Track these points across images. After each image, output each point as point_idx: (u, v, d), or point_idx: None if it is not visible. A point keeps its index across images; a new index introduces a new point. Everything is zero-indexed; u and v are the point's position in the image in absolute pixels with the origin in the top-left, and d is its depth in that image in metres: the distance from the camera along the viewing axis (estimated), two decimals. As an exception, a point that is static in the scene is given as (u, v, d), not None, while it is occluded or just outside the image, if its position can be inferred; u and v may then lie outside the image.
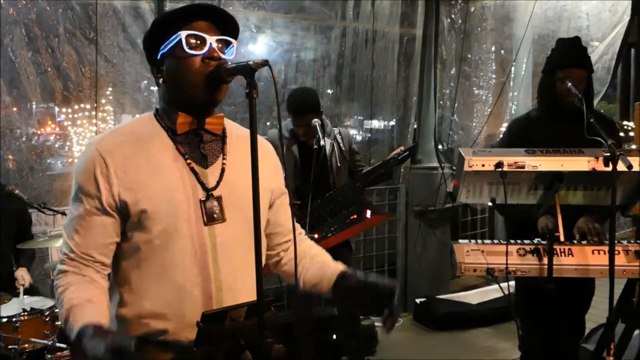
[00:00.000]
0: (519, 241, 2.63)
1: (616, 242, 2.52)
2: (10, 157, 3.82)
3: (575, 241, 2.67)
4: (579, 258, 2.57)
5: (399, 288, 1.56)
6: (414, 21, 5.46)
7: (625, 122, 7.52)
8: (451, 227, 5.69)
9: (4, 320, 3.07)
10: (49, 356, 3.14)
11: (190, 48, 1.48)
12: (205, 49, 1.48)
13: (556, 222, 2.63)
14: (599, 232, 2.71)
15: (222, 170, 1.55)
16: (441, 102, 5.70)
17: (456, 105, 5.70)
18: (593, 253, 2.57)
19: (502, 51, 6.09)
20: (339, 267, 1.70)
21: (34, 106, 3.97)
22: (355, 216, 3.46)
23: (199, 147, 1.54)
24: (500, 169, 2.48)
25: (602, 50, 5.41)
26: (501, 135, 3.55)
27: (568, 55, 2.95)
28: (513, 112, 5.98)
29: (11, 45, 3.70)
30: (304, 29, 4.99)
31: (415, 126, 5.61)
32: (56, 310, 3.26)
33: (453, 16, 5.68)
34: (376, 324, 4.78)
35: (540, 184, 2.61)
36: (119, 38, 4.03)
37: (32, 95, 3.84)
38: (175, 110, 1.52)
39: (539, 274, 2.55)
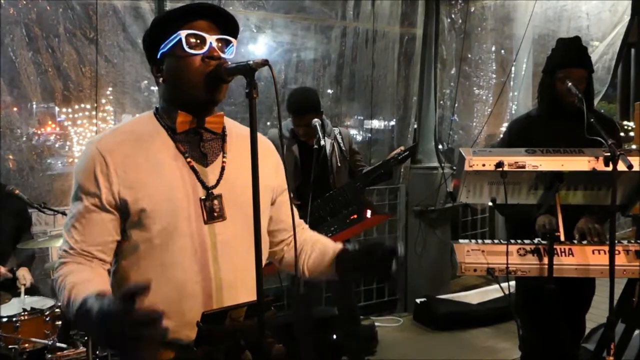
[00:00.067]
0: (519, 241, 2.63)
1: (616, 242, 2.52)
2: (11, 157, 3.82)
3: (575, 241, 2.67)
4: (579, 258, 2.57)
5: (401, 248, 1.56)
6: (414, 21, 5.46)
7: (625, 122, 7.52)
8: (451, 227, 5.68)
9: (4, 320, 3.07)
10: (49, 356, 3.15)
11: (190, 47, 1.48)
12: (205, 48, 1.49)
13: (556, 222, 2.63)
14: (599, 233, 2.71)
15: (222, 168, 1.55)
16: (441, 102, 5.69)
17: (456, 105, 5.69)
18: (593, 253, 2.57)
19: (503, 51, 6.09)
20: (340, 246, 1.71)
21: (34, 106, 3.97)
22: (355, 216, 3.46)
23: (198, 146, 1.55)
24: (500, 169, 2.48)
25: (602, 50, 5.41)
26: (501, 135, 3.54)
27: (568, 55, 2.95)
28: (513, 112, 5.98)
29: (11, 45, 3.70)
30: (304, 29, 4.99)
31: (415, 126, 5.60)
32: (56, 310, 3.27)
33: (453, 16, 5.68)
34: (376, 324, 4.79)
35: (540, 183, 2.61)
36: (119, 38, 4.03)
37: (33, 95, 3.84)
38: (175, 109, 1.52)
39: (540, 273, 2.55)
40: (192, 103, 1.51)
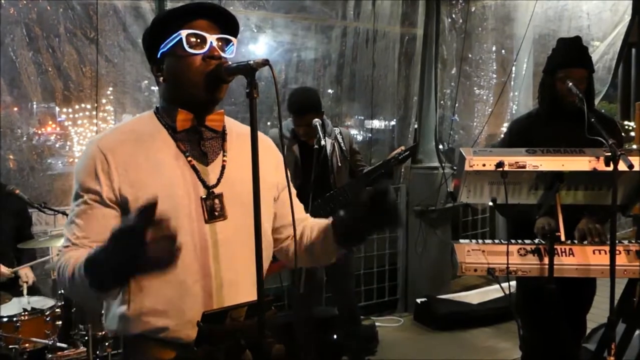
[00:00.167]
0: (519, 241, 2.63)
1: (617, 242, 2.51)
2: (11, 156, 3.82)
3: (575, 241, 2.67)
4: (580, 258, 2.56)
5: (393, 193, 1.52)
6: (415, 21, 5.46)
7: (626, 122, 7.52)
8: (452, 226, 5.68)
9: (5, 319, 3.07)
10: (50, 356, 3.15)
11: (191, 47, 1.48)
12: (206, 47, 1.49)
13: (557, 222, 2.63)
14: (600, 233, 2.71)
15: (223, 167, 1.55)
16: (442, 101, 5.69)
17: (457, 105, 5.69)
18: (594, 253, 2.57)
19: (503, 51, 6.08)
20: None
21: (34, 106, 3.97)
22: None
23: (199, 145, 1.55)
24: (501, 169, 2.48)
25: (603, 50, 5.41)
26: (502, 135, 3.54)
27: (569, 54, 2.95)
28: (514, 112, 5.98)
29: (12, 45, 3.70)
30: (304, 29, 4.99)
31: (416, 126, 5.60)
32: (57, 310, 3.27)
33: (454, 16, 5.68)
34: (377, 324, 4.79)
35: (541, 183, 2.61)
36: (119, 38, 4.02)
37: (33, 95, 3.84)
38: (175, 107, 1.52)
39: (540, 273, 2.55)
40: (192, 102, 1.51)
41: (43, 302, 3.33)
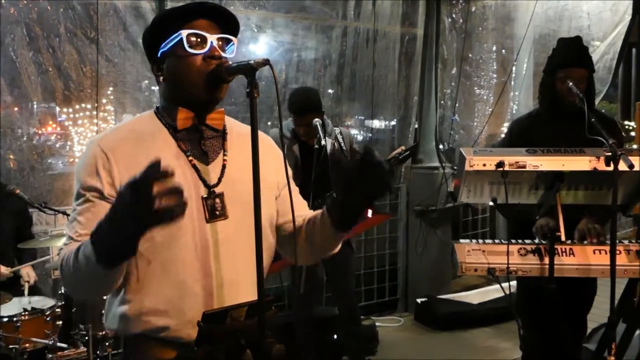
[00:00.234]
0: (520, 241, 2.63)
1: (617, 241, 2.51)
2: (11, 156, 3.82)
3: (575, 241, 2.67)
4: (580, 258, 2.56)
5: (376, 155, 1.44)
6: (415, 21, 5.46)
7: (626, 122, 7.51)
8: (452, 226, 5.68)
9: (5, 319, 3.07)
10: (50, 356, 3.15)
11: (191, 47, 1.48)
12: (206, 47, 1.48)
13: (557, 221, 2.63)
14: (599, 233, 2.70)
15: (223, 166, 1.55)
16: (442, 101, 5.69)
17: (457, 104, 5.69)
18: (594, 253, 2.57)
19: (503, 51, 6.08)
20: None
21: (35, 106, 3.97)
22: (356, 216, 3.45)
23: (199, 144, 1.54)
24: (501, 169, 2.48)
25: (603, 50, 5.41)
26: (502, 135, 3.54)
27: (569, 54, 2.95)
28: (514, 111, 5.98)
29: (12, 45, 3.70)
30: (305, 29, 4.99)
31: (416, 126, 5.60)
32: (57, 310, 3.27)
33: (454, 16, 5.68)
34: (377, 324, 4.79)
35: (541, 183, 2.61)
36: (120, 37, 4.03)
37: (33, 94, 3.84)
38: (175, 107, 1.52)
39: (540, 273, 2.55)
40: (192, 102, 1.51)
41: (43, 302, 3.33)
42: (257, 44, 4.80)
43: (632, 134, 5.96)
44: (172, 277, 1.46)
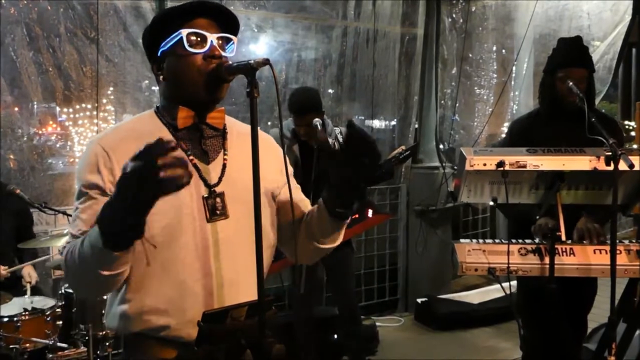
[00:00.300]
0: (520, 240, 2.63)
1: (617, 241, 2.51)
2: (12, 156, 3.82)
3: (574, 240, 2.67)
4: (581, 257, 2.56)
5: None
6: (415, 21, 5.46)
7: (626, 122, 7.51)
8: (452, 226, 5.68)
9: (5, 319, 3.07)
10: (50, 356, 3.15)
11: (191, 46, 1.48)
12: (206, 47, 1.48)
13: (558, 221, 2.63)
14: (599, 233, 2.70)
15: (224, 166, 1.55)
16: (442, 101, 5.69)
17: (457, 104, 5.69)
18: (594, 252, 2.57)
19: (504, 51, 6.08)
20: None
21: (35, 106, 3.97)
22: (356, 215, 3.46)
23: (200, 143, 1.54)
24: (501, 169, 2.48)
25: (604, 50, 5.41)
26: (503, 135, 3.54)
27: (569, 54, 2.95)
28: (514, 111, 5.98)
29: (12, 45, 3.70)
30: (305, 29, 4.99)
31: (416, 126, 5.61)
32: (57, 310, 3.27)
33: (454, 16, 5.68)
34: (377, 324, 4.79)
35: (541, 183, 2.61)
36: (120, 37, 4.03)
37: (33, 94, 3.84)
38: (175, 105, 1.52)
39: (541, 273, 2.55)
40: (193, 101, 1.51)
41: (44, 302, 3.33)
42: (257, 44, 4.80)
43: (633, 133, 5.96)
44: (172, 277, 1.46)
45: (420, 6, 5.44)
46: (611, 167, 2.38)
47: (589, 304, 3.11)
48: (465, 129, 5.95)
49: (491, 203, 2.70)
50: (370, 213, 3.57)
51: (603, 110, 5.62)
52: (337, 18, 5.09)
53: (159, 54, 1.54)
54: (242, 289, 1.50)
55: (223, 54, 1.50)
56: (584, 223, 2.76)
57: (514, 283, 3.05)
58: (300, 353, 3.58)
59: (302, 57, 5.01)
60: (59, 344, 3.20)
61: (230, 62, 1.47)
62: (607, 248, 2.54)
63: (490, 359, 4.30)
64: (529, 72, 5.85)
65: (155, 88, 3.99)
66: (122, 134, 1.53)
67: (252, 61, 1.36)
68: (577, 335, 3.11)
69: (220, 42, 1.51)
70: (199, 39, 1.48)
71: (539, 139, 2.83)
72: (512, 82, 5.98)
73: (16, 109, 3.85)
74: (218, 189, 1.52)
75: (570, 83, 2.76)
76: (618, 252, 2.51)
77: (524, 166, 2.50)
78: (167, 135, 1.52)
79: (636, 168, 2.38)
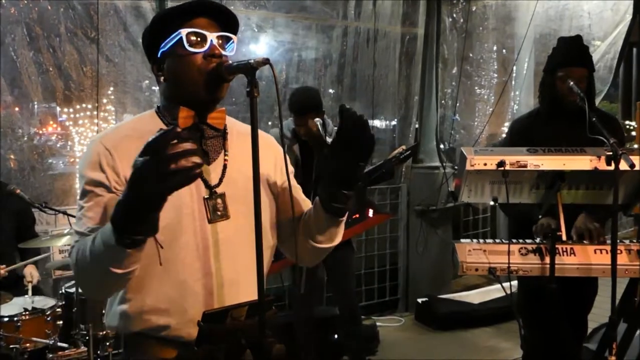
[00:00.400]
0: (521, 240, 2.62)
1: (618, 241, 2.51)
2: (12, 156, 3.82)
3: (573, 238, 2.67)
4: (581, 257, 2.56)
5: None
6: (416, 20, 5.46)
7: (627, 122, 7.50)
8: (453, 226, 5.68)
9: (6, 319, 3.07)
10: (51, 356, 3.15)
11: (191, 46, 1.47)
12: (206, 46, 1.48)
13: (558, 221, 2.62)
14: (599, 233, 2.70)
15: (224, 166, 1.55)
16: (443, 101, 5.69)
17: (458, 104, 5.69)
18: (595, 252, 2.57)
19: (504, 50, 6.08)
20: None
21: (35, 106, 3.97)
22: (357, 215, 3.46)
23: (200, 144, 1.54)
24: (502, 168, 2.48)
25: (604, 50, 5.40)
26: (503, 135, 3.54)
27: (569, 53, 2.95)
28: (515, 111, 5.97)
29: (12, 45, 3.70)
30: (305, 29, 4.99)
31: (416, 125, 5.61)
32: (58, 310, 3.27)
33: (455, 15, 5.68)
34: (378, 324, 4.79)
35: (542, 183, 2.61)
36: (120, 37, 4.03)
37: (34, 94, 3.84)
38: (176, 105, 1.51)
39: (541, 273, 2.54)
40: (193, 101, 1.50)
41: (44, 302, 3.33)
42: (258, 44, 4.80)
43: (633, 133, 5.96)
44: (173, 277, 1.46)
45: (420, 6, 5.44)
46: (612, 167, 2.37)
47: (589, 303, 3.10)
48: (466, 128, 5.94)
49: (492, 203, 2.69)
50: (370, 213, 3.57)
51: (603, 109, 5.62)
52: (337, 18, 5.09)
53: (159, 55, 1.54)
54: (242, 288, 1.50)
55: (223, 53, 1.50)
56: (583, 222, 2.75)
57: (514, 283, 3.05)
58: (300, 353, 3.58)
59: (302, 57, 5.01)
60: (59, 344, 3.20)
61: (230, 62, 1.47)
62: (608, 248, 2.53)
63: (490, 359, 4.30)
64: (530, 71, 5.84)
65: (156, 88, 3.99)
66: (124, 133, 1.53)
67: (252, 61, 1.35)
68: (578, 335, 3.11)
69: (220, 41, 1.50)
70: (198, 38, 1.48)
71: (539, 138, 2.83)
72: (513, 82, 5.98)
73: (16, 108, 3.85)
74: (219, 190, 1.52)
75: (571, 83, 2.75)
76: (619, 252, 2.51)
77: (525, 166, 2.50)
78: None
79: (637, 168, 2.38)
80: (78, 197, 1.50)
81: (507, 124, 5.78)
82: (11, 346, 3.03)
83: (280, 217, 1.66)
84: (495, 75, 5.96)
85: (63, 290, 3.45)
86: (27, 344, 3.09)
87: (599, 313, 3.18)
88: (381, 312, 5.33)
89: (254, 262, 1.33)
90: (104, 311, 2.80)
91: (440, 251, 5.33)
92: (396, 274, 5.54)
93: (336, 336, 4.14)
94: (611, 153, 2.37)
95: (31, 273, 3.45)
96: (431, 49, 5.54)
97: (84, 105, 4.01)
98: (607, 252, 2.54)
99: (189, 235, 1.47)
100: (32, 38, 3.76)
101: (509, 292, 2.72)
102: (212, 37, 1.49)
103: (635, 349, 3.03)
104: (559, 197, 2.61)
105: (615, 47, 5.36)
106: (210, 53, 1.47)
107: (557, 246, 2.53)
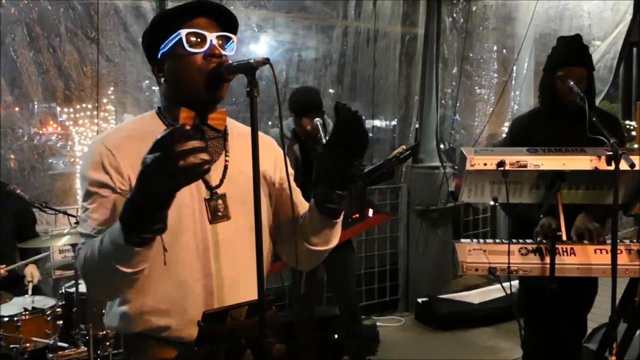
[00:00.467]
0: (521, 240, 2.62)
1: (618, 241, 2.51)
2: (12, 156, 3.82)
3: (574, 239, 2.67)
4: (581, 257, 2.56)
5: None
6: (416, 20, 5.46)
7: (627, 122, 7.50)
8: (453, 226, 5.68)
9: (6, 319, 3.07)
10: (51, 355, 3.15)
11: (191, 46, 1.47)
12: (206, 46, 1.48)
13: (558, 221, 2.62)
14: (599, 233, 2.70)
15: (225, 167, 1.55)
16: (443, 101, 5.69)
17: (458, 104, 5.69)
18: (595, 252, 2.57)
19: (504, 50, 6.08)
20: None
21: (35, 106, 3.97)
22: (357, 215, 3.46)
23: (202, 144, 1.54)
24: (502, 168, 2.47)
25: (604, 50, 5.41)
26: (503, 135, 3.54)
27: (569, 53, 2.94)
28: (515, 111, 5.97)
29: (12, 45, 3.70)
30: (305, 29, 4.99)
31: (417, 125, 5.60)
32: (58, 310, 3.27)
33: (455, 15, 5.68)
34: (378, 323, 4.79)
35: (542, 183, 2.61)
36: (120, 37, 4.02)
37: (34, 94, 3.84)
38: (177, 106, 1.51)
39: (541, 273, 2.54)
40: (193, 101, 1.50)
41: (44, 302, 3.33)
42: (258, 44, 4.80)
43: (633, 133, 5.96)
44: (173, 277, 1.46)
45: (420, 6, 5.44)
46: (612, 167, 2.37)
47: (589, 303, 3.10)
48: (466, 128, 5.94)
49: (492, 203, 2.69)
50: (370, 213, 3.57)
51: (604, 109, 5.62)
52: (337, 18, 5.09)
53: (159, 56, 1.53)
54: (243, 288, 1.50)
55: (223, 52, 1.50)
56: (583, 222, 2.75)
57: (514, 283, 3.04)
58: (300, 353, 3.58)
59: (302, 57, 5.01)
60: (59, 344, 3.20)
61: (230, 62, 1.47)
62: (608, 248, 2.53)
63: (490, 359, 4.30)
64: (530, 71, 5.84)
65: (156, 88, 4.00)
66: (125, 134, 1.53)
67: (252, 60, 1.35)
68: (577, 335, 3.11)
69: (219, 41, 1.50)
70: (198, 39, 1.48)
71: (539, 137, 2.83)
72: (513, 82, 5.98)
73: (17, 108, 3.85)
74: (220, 191, 1.52)
75: (571, 83, 2.75)
76: (619, 251, 2.51)
77: (525, 166, 2.50)
78: None
79: (637, 168, 2.38)
80: (81, 199, 1.50)
81: (507, 123, 5.78)
82: (11, 346, 3.03)
83: (277, 218, 1.67)
84: (496, 75, 5.96)
85: (63, 290, 3.45)
86: (27, 344, 3.09)
87: (599, 313, 3.18)
88: (381, 312, 5.33)
89: (254, 261, 1.34)
90: (104, 311, 2.80)
91: (440, 251, 5.33)
92: (396, 274, 5.54)
93: (336, 336, 4.14)
94: (611, 153, 2.37)
95: (32, 273, 3.45)
96: (431, 49, 5.54)
97: (84, 105, 4.00)
98: (607, 252, 2.54)
99: (189, 235, 1.47)
100: (32, 38, 3.76)
101: (509, 292, 2.72)
102: (211, 37, 1.48)
103: (635, 349, 3.03)
104: (559, 197, 2.61)
105: (615, 47, 5.36)
106: (210, 53, 1.47)
107: (557, 246, 2.53)
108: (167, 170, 1.14)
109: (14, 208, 3.46)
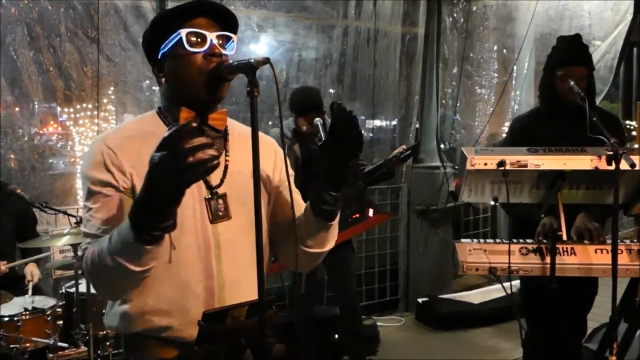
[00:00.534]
0: (521, 240, 2.62)
1: (619, 241, 2.51)
2: (12, 156, 3.82)
3: (575, 239, 2.67)
4: (582, 257, 2.56)
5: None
6: (416, 20, 5.46)
7: (627, 122, 7.50)
8: (453, 226, 5.68)
9: (6, 319, 3.07)
10: (51, 355, 3.15)
11: (191, 46, 1.47)
12: (206, 46, 1.48)
13: (559, 221, 2.62)
14: (599, 233, 2.69)
15: (226, 167, 1.55)
16: (443, 101, 5.69)
17: (458, 104, 5.69)
18: (596, 252, 2.57)
19: (504, 50, 6.08)
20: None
21: (35, 106, 3.97)
22: (357, 215, 3.46)
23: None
24: (502, 168, 2.47)
25: (605, 49, 5.41)
26: (504, 135, 3.54)
27: (568, 52, 2.94)
28: (515, 111, 5.98)
29: (13, 45, 3.70)
30: (305, 28, 4.99)
31: (417, 125, 5.60)
32: (58, 309, 3.27)
33: (455, 15, 5.68)
34: (378, 323, 4.79)
35: (542, 182, 2.61)
36: (120, 37, 4.02)
37: (34, 94, 3.84)
38: (177, 106, 1.51)
39: (542, 273, 2.54)
40: (193, 101, 1.50)
41: (44, 302, 3.33)
42: (258, 44, 4.80)
43: (634, 133, 5.95)
44: (175, 278, 1.46)
45: (421, 6, 5.44)
46: (613, 167, 2.37)
47: (589, 303, 3.10)
48: (466, 128, 5.94)
49: (492, 202, 2.69)
50: (370, 212, 3.57)
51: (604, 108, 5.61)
52: (337, 17, 5.09)
53: (159, 56, 1.53)
54: (243, 288, 1.50)
55: (223, 52, 1.49)
56: (582, 222, 2.75)
57: (515, 283, 3.04)
58: (300, 353, 3.58)
59: (302, 57, 5.01)
60: (59, 344, 3.20)
61: (231, 61, 1.47)
62: (608, 248, 2.53)
63: (491, 358, 4.29)
64: (530, 71, 5.85)
65: (156, 88, 3.99)
66: (126, 133, 1.53)
67: (252, 60, 1.35)
68: (577, 335, 3.11)
69: (220, 40, 1.50)
70: (198, 38, 1.48)
71: (540, 137, 2.83)
72: (513, 82, 5.98)
73: (17, 108, 3.85)
74: (220, 191, 1.52)
75: (572, 82, 2.75)
76: (619, 251, 2.51)
77: (525, 166, 2.50)
78: None
79: (637, 167, 2.38)
80: (83, 199, 1.49)
81: (507, 123, 5.78)
82: (11, 346, 3.03)
83: (275, 219, 1.67)
84: (496, 75, 5.96)
85: (63, 290, 3.45)
86: (27, 344, 3.09)
87: (600, 313, 3.18)
88: (381, 312, 5.33)
89: (254, 261, 1.33)
90: (104, 311, 2.80)
91: (440, 251, 5.33)
92: (396, 273, 5.54)
93: (337, 336, 4.14)
94: (612, 153, 2.37)
95: (32, 271, 3.46)
96: (432, 48, 5.54)
97: (84, 105, 4.00)
98: (607, 252, 2.53)
99: (190, 236, 1.47)
100: (33, 38, 3.76)
101: (509, 292, 2.71)
102: (211, 36, 1.48)
103: (635, 349, 3.03)
104: (560, 196, 2.61)
105: (615, 47, 5.37)
106: (210, 52, 1.47)
107: (557, 246, 2.52)
108: (176, 167, 1.14)
109: (14, 208, 3.46)
